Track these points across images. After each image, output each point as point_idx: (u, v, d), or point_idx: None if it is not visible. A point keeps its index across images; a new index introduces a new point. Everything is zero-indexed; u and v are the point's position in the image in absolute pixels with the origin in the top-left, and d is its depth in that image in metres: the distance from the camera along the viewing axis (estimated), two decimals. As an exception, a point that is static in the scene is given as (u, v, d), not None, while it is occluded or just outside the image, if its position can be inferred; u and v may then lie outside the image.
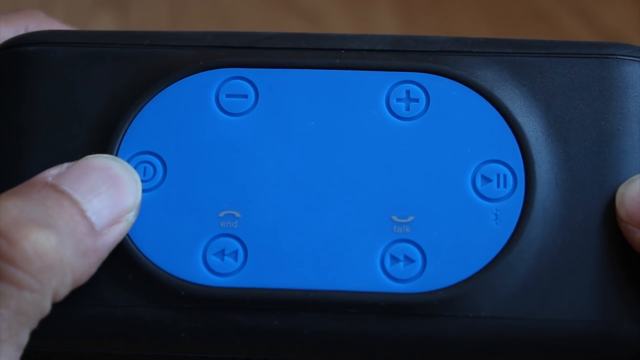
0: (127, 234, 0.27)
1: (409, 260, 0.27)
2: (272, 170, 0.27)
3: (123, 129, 0.28)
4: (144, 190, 0.27)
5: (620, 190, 0.27)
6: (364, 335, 0.26)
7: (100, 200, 0.25)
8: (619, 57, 0.28)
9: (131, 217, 0.26)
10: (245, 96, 0.28)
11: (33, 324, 0.24)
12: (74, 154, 0.28)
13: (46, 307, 0.24)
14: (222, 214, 0.27)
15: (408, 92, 0.28)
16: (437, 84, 0.28)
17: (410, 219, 0.27)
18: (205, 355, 0.27)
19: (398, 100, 0.28)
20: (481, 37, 0.29)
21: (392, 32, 0.62)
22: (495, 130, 0.28)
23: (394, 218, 0.27)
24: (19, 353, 0.24)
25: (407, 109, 0.28)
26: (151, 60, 0.29)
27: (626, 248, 0.27)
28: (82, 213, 0.25)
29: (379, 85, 0.28)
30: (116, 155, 0.28)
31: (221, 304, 0.27)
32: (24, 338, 0.24)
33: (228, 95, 0.28)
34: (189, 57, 0.29)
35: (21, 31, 0.32)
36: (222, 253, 0.27)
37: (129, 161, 0.28)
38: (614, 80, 0.28)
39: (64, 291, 0.25)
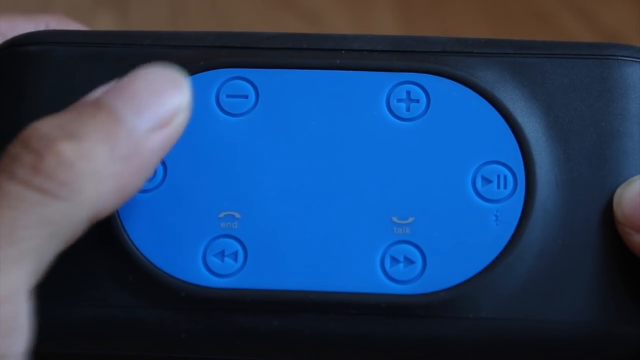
0: (127, 234, 0.27)
1: (409, 261, 0.27)
2: (273, 170, 0.27)
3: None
4: (144, 191, 0.27)
5: (618, 192, 0.27)
6: (364, 336, 0.26)
7: (139, 104, 0.25)
8: (619, 58, 0.28)
9: (177, 121, 0.25)
10: (246, 96, 0.28)
11: (66, 234, 0.24)
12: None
13: (81, 217, 0.24)
14: (222, 215, 0.27)
15: (408, 92, 0.28)
16: (438, 85, 0.28)
17: (411, 220, 0.27)
18: (206, 356, 0.27)
19: (398, 100, 0.28)
20: (482, 37, 0.29)
21: (392, 33, 0.62)
22: (496, 131, 0.27)
23: (394, 219, 0.27)
24: (44, 263, 0.24)
25: (408, 109, 0.28)
26: (152, 60, 0.29)
27: (626, 249, 0.27)
28: (118, 118, 0.24)
29: (379, 85, 0.28)
30: None
31: (221, 305, 0.27)
32: (54, 247, 0.24)
33: (228, 96, 0.28)
34: (190, 57, 0.29)
35: (41, 29, 0.32)
36: (222, 254, 0.27)
37: None
38: (615, 81, 0.28)
39: (109, 199, 0.24)
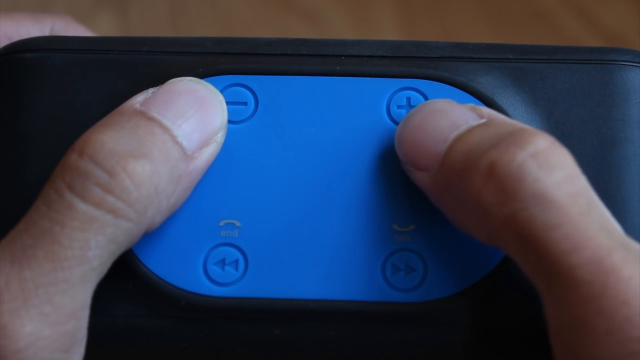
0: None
1: (411, 269, 0.27)
2: (273, 178, 0.27)
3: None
4: None
5: (397, 131, 0.27)
6: (365, 344, 0.26)
7: (189, 124, 0.26)
8: (620, 63, 0.28)
9: (219, 137, 0.27)
10: (245, 103, 0.28)
11: (120, 252, 0.25)
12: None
13: (138, 237, 0.25)
14: (222, 223, 0.27)
15: (409, 99, 0.28)
16: (438, 91, 0.28)
17: (412, 227, 0.27)
18: (206, 365, 0.27)
19: (399, 107, 0.28)
20: (482, 42, 0.29)
21: (393, 33, 0.62)
22: None
23: (395, 227, 0.27)
24: (98, 280, 0.24)
25: (408, 115, 0.28)
26: (150, 67, 0.29)
27: None
28: (174, 139, 0.25)
29: (379, 92, 0.28)
30: None
31: (222, 314, 0.26)
32: (112, 261, 0.24)
33: (227, 103, 0.28)
34: (188, 63, 0.29)
35: (46, 31, 0.33)
36: (222, 262, 0.27)
37: None
38: (616, 86, 0.28)
39: (159, 219, 0.25)
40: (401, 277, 0.27)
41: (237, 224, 0.27)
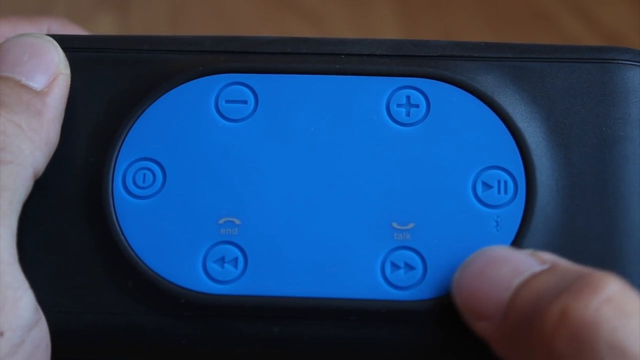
0: (127, 241, 0.27)
1: (410, 267, 0.27)
2: (272, 176, 0.27)
3: (122, 135, 0.28)
4: (143, 198, 0.27)
5: (455, 278, 0.26)
6: (364, 342, 0.26)
7: (27, 67, 0.28)
8: (620, 62, 0.28)
9: (63, 68, 0.28)
10: (245, 102, 0.28)
11: (20, 196, 0.26)
12: (73, 160, 0.28)
13: (28, 175, 0.26)
14: (222, 221, 0.27)
15: (408, 97, 0.28)
16: (438, 90, 0.28)
17: (411, 225, 0.27)
18: (205, 362, 0.27)
19: (398, 105, 0.28)
20: (482, 41, 0.29)
21: (393, 32, 0.62)
22: (496, 136, 0.27)
23: (395, 225, 0.27)
24: (14, 230, 0.25)
25: (408, 114, 0.28)
26: (150, 66, 0.29)
27: None
28: (18, 83, 0.27)
29: (379, 90, 0.28)
30: (115, 161, 0.28)
31: (221, 312, 0.26)
32: (16, 211, 0.26)
33: (227, 101, 0.28)
34: (188, 62, 0.29)
35: (43, 33, 0.33)
36: (222, 260, 0.27)
37: (128, 168, 0.28)
38: (615, 85, 0.28)
39: (40, 154, 0.27)
40: (400, 275, 0.27)
41: (237, 222, 0.27)
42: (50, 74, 0.28)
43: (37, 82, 0.27)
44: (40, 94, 0.27)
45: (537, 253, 0.25)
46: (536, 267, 0.25)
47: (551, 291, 0.24)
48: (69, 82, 0.28)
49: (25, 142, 0.26)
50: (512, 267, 0.25)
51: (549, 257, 0.25)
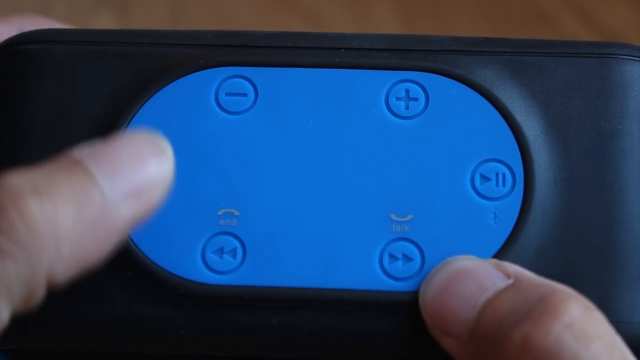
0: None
1: (408, 258, 0.27)
2: (271, 168, 0.28)
3: (123, 127, 0.28)
4: None
5: (421, 292, 0.26)
6: (362, 332, 0.26)
7: (115, 168, 0.23)
8: (618, 56, 0.28)
9: (155, 193, 0.24)
10: (245, 95, 0.28)
11: (15, 300, 0.22)
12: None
13: (36, 284, 0.22)
14: (221, 212, 0.27)
15: (407, 91, 0.28)
16: (437, 83, 0.28)
17: (409, 217, 0.27)
18: (204, 353, 0.27)
19: (397, 99, 0.28)
20: (481, 36, 0.29)
21: (392, 32, 0.62)
22: (495, 129, 0.28)
23: (393, 217, 0.27)
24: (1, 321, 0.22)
25: (407, 107, 0.28)
26: (151, 59, 0.29)
27: None
28: (93, 181, 0.22)
29: (378, 84, 0.28)
30: None
31: (220, 302, 0.27)
32: (10, 305, 0.22)
33: (227, 94, 0.28)
34: (189, 55, 0.29)
35: (14, 32, 0.32)
36: (220, 251, 0.27)
37: None
38: (614, 79, 0.28)
39: (63, 268, 0.22)
40: (398, 267, 0.27)
41: (236, 213, 0.27)
42: (135, 188, 0.23)
43: (114, 190, 0.23)
44: (107, 206, 0.22)
45: (501, 265, 0.25)
46: (500, 283, 0.25)
47: (514, 314, 0.24)
48: (152, 210, 0.24)
49: (49, 250, 0.22)
50: (477, 282, 0.25)
51: (513, 269, 0.25)
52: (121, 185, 0.23)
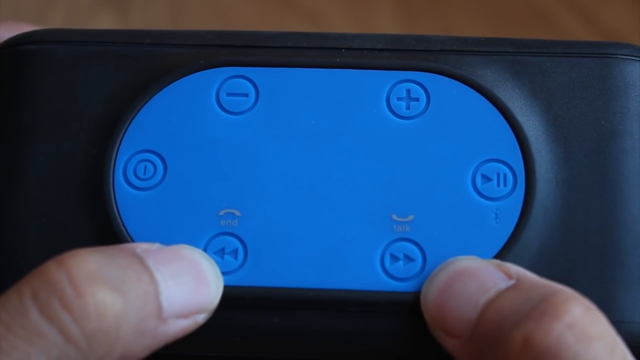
0: (128, 232, 0.27)
1: (409, 259, 0.27)
2: (273, 168, 0.28)
3: (124, 128, 0.28)
4: (144, 189, 0.27)
5: (423, 292, 0.26)
6: (363, 333, 0.26)
7: (178, 288, 0.24)
8: (619, 56, 0.28)
9: (201, 318, 0.25)
10: (246, 95, 0.28)
11: None
12: (75, 153, 0.28)
13: None
14: (222, 213, 0.27)
15: (408, 91, 0.28)
16: (438, 83, 0.28)
17: (410, 218, 0.27)
18: (205, 353, 0.27)
19: (398, 99, 0.28)
20: (482, 36, 0.29)
21: (392, 32, 0.62)
22: (496, 129, 0.28)
23: (394, 217, 0.27)
24: None
25: (408, 108, 0.28)
26: (152, 59, 0.29)
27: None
28: (157, 294, 0.24)
29: (379, 84, 0.28)
30: (116, 153, 0.28)
31: (221, 302, 0.27)
32: None
33: (228, 94, 0.28)
34: (190, 55, 0.29)
35: None
36: (222, 251, 0.27)
37: (129, 160, 0.28)
38: (615, 79, 0.28)
39: None
40: (399, 267, 0.27)
41: (237, 213, 0.27)
42: (188, 309, 0.24)
43: (171, 307, 0.24)
44: (161, 319, 0.24)
45: (503, 265, 0.25)
46: (502, 284, 0.25)
47: (515, 315, 0.24)
48: (191, 331, 0.25)
49: (107, 346, 0.22)
50: (478, 282, 0.25)
51: (514, 270, 0.25)
52: (178, 302, 0.24)
